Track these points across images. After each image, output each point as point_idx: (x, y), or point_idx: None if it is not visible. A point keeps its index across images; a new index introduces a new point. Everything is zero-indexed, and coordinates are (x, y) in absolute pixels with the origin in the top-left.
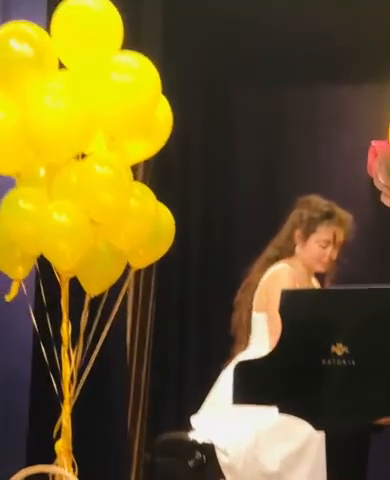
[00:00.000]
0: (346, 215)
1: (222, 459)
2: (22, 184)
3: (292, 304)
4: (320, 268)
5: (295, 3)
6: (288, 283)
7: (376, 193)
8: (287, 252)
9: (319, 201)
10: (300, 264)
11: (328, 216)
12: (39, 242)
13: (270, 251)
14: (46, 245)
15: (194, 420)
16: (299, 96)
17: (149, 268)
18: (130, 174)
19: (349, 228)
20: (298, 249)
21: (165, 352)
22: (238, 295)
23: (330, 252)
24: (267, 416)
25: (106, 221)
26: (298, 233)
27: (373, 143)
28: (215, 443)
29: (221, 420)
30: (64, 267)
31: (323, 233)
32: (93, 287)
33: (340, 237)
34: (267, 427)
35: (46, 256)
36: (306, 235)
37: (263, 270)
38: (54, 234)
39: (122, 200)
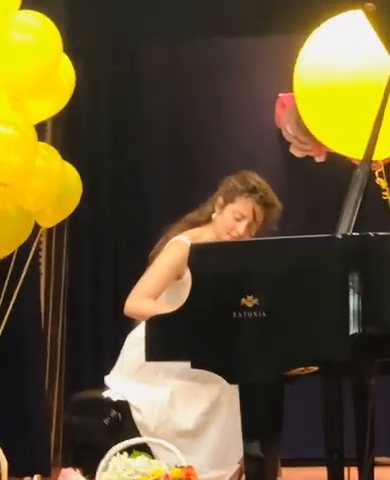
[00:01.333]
0: (275, 201)
1: (136, 417)
2: None
3: (200, 258)
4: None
5: None
6: (174, 256)
7: (285, 144)
8: (207, 217)
9: (252, 176)
10: (211, 233)
11: (251, 191)
12: None
13: (192, 214)
14: None
15: (108, 380)
16: (205, 49)
17: (61, 228)
18: (34, 134)
19: (273, 215)
20: (215, 216)
21: (80, 310)
22: (153, 250)
23: (242, 227)
24: (179, 374)
25: (12, 182)
26: (220, 200)
27: (280, 95)
28: (129, 401)
29: (133, 379)
30: None
31: (240, 205)
32: (2, 248)
33: (259, 218)
34: (180, 386)
35: None
36: (225, 203)
37: (181, 230)
38: None
39: (27, 160)
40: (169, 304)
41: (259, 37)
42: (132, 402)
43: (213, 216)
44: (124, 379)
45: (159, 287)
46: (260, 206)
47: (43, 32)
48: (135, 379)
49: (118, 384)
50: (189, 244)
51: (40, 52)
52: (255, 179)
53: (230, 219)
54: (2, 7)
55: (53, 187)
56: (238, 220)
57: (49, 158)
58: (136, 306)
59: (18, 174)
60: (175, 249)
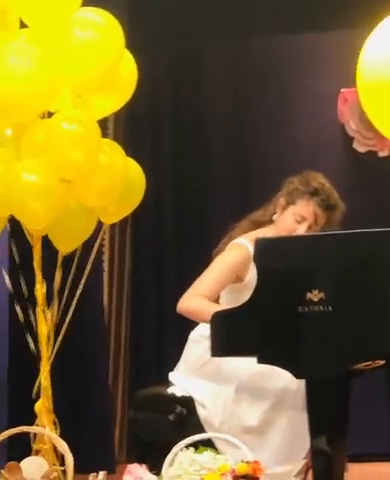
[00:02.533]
0: (338, 203)
1: (200, 412)
2: None
3: (266, 252)
4: None
5: None
6: (234, 258)
7: (347, 139)
8: (270, 217)
9: (315, 177)
10: (273, 234)
11: (313, 193)
12: (9, 203)
13: (256, 213)
14: (16, 205)
15: (172, 376)
16: (268, 46)
17: (124, 223)
18: (98, 130)
19: (337, 216)
20: (276, 217)
21: (143, 307)
22: (216, 249)
23: (302, 230)
24: (243, 370)
25: (76, 179)
26: (281, 201)
27: (342, 90)
28: (193, 396)
29: (197, 375)
30: (35, 226)
31: (302, 207)
32: (65, 245)
33: (321, 220)
34: (244, 382)
35: (17, 216)
36: (286, 204)
37: (244, 231)
38: (24, 194)
39: (91, 157)
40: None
41: (322, 32)
42: (197, 398)
43: (274, 217)
44: (188, 376)
45: (215, 288)
46: (322, 209)
47: (105, 29)
48: (199, 376)
49: (182, 380)
50: (249, 246)
51: (102, 48)
52: (318, 180)
53: (291, 221)
54: (64, 4)
55: (116, 183)
56: (299, 222)
57: (112, 154)
58: (187, 305)
59: (81, 171)
60: (235, 252)
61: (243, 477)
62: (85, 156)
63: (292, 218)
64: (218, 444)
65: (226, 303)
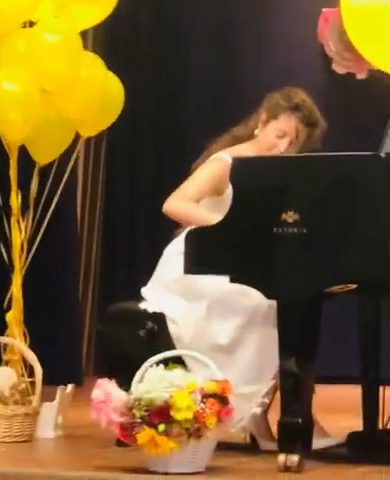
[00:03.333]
0: (318, 119)
1: (172, 329)
2: None
3: (242, 171)
4: None
5: None
6: (215, 169)
7: (327, 61)
8: (251, 132)
9: (297, 93)
10: (253, 150)
11: (295, 108)
12: None
13: (237, 128)
14: None
15: (144, 291)
16: None
17: (99, 138)
18: (80, 42)
19: (318, 134)
20: (257, 132)
21: (116, 222)
22: (195, 163)
23: (284, 145)
24: (215, 288)
25: (56, 89)
26: (263, 116)
27: (324, 10)
28: (165, 312)
29: (170, 292)
30: (15, 136)
31: (283, 122)
32: (42, 156)
33: (302, 136)
34: (216, 299)
35: None
36: (268, 119)
37: (224, 146)
38: (4, 103)
39: (72, 68)
40: None
41: None
42: (168, 314)
43: (255, 132)
44: (161, 292)
45: (199, 192)
46: (303, 124)
47: None
48: (171, 292)
49: (155, 296)
50: (228, 160)
51: None
52: (300, 96)
53: (272, 136)
54: None
55: (96, 96)
56: (280, 137)
57: (93, 66)
58: (173, 205)
59: (62, 81)
60: (216, 164)
61: (212, 396)
62: (66, 67)
63: (273, 133)
64: (189, 362)
65: None
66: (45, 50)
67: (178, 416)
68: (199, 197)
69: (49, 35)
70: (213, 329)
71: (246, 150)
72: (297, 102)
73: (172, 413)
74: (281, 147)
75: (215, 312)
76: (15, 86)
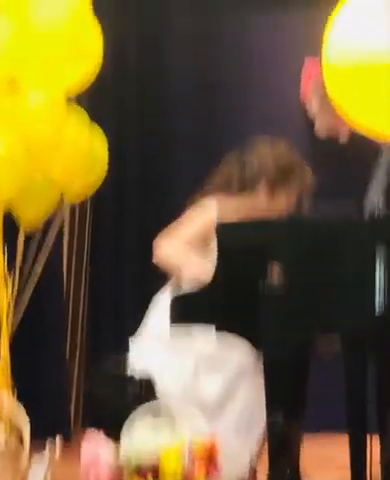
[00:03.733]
0: (310, 174)
1: (159, 385)
2: None
3: (225, 236)
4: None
5: None
6: (204, 220)
7: (309, 123)
8: (241, 187)
9: (292, 160)
10: (248, 206)
11: (293, 179)
12: None
13: (221, 180)
14: None
15: (132, 346)
16: (234, 16)
17: (84, 200)
18: (64, 102)
19: (311, 185)
20: (255, 192)
21: (102, 284)
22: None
23: (286, 209)
24: (203, 343)
25: (42, 151)
26: (261, 185)
27: (306, 60)
28: (153, 369)
29: (158, 347)
30: (0, 198)
31: (283, 197)
32: (28, 219)
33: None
34: (203, 355)
35: None
36: (273, 189)
37: (211, 195)
38: None
39: (57, 129)
40: None
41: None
42: (156, 370)
43: (251, 192)
44: (148, 345)
45: (190, 235)
46: (301, 189)
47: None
48: (159, 347)
49: (142, 352)
50: (216, 207)
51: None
52: (296, 162)
53: (273, 203)
54: None
55: (81, 155)
56: (282, 204)
57: (78, 125)
58: (165, 250)
59: (47, 142)
60: (207, 212)
61: (200, 456)
62: (52, 128)
63: (275, 201)
64: (177, 417)
65: None
66: (30, 112)
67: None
68: (191, 239)
69: (34, 96)
70: (201, 385)
71: (239, 204)
72: (295, 171)
73: (160, 477)
74: (284, 211)
75: (203, 367)
76: (0, 147)
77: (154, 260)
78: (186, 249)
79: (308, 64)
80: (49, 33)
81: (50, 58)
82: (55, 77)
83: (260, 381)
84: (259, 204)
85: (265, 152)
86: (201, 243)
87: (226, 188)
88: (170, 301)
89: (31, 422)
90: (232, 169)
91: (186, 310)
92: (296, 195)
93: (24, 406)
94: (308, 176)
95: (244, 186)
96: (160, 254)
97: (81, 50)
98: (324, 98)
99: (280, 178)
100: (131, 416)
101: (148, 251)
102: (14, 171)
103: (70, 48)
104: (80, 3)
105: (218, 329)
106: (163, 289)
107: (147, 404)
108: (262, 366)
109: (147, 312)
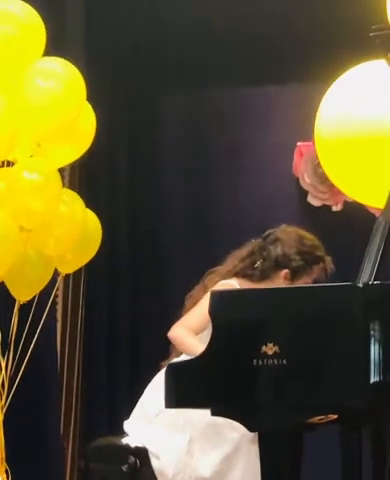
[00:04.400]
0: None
1: (154, 464)
2: None
3: (221, 305)
4: None
5: (215, 4)
6: None
7: (302, 193)
8: (262, 278)
9: (314, 245)
10: None
11: (318, 261)
12: None
13: (242, 265)
14: None
15: (126, 425)
16: (224, 97)
17: (78, 274)
18: (59, 180)
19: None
20: (278, 282)
21: (97, 358)
22: (188, 295)
23: None
24: (198, 420)
25: (35, 227)
26: (284, 273)
27: (299, 144)
28: (147, 447)
29: (153, 425)
30: None
31: (311, 277)
32: (22, 293)
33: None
34: (198, 433)
35: None
36: (298, 275)
37: (227, 277)
38: None
39: (51, 206)
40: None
41: (277, 85)
42: (151, 449)
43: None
44: (143, 425)
45: (204, 325)
46: (323, 272)
47: (67, 79)
48: (154, 425)
49: (137, 430)
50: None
51: (64, 99)
52: (318, 247)
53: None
54: (26, 53)
55: (75, 232)
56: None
57: (71, 204)
58: (182, 336)
59: (42, 220)
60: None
61: None
62: (45, 205)
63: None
64: None
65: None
66: (25, 189)
67: None
68: (203, 328)
69: (28, 174)
70: (196, 463)
71: None
72: (319, 255)
73: None
74: None
75: (197, 445)
76: None
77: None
78: (192, 334)
79: (299, 146)
80: (44, 112)
81: (44, 136)
82: (47, 154)
83: (254, 461)
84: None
85: (289, 244)
86: None
87: (248, 275)
88: (164, 385)
89: None
90: (256, 259)
91: (180, 394)
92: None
93: None
94: (329, 267)
95: (267, 275)
96: (170, 334)
97: (75, 129)
98: (316, 169)
99: (302, 269)
100: None
101: (141, 327)
102: (7, 247)
103: (65, 127)
104: (76, 83)
105: (213, 413)
106: (158, 371)
107: None
108: (256, 445)
109: (142, 395)
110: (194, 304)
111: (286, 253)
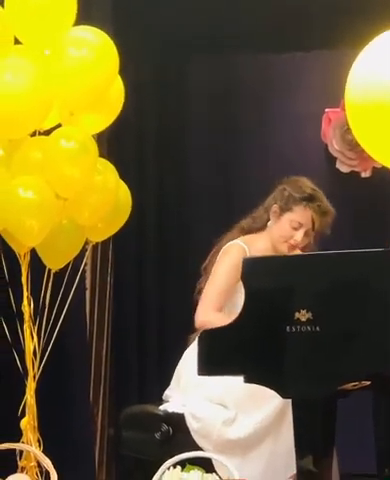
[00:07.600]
0: (329, 208)
1: (195, 426)
2: None
3: (254, 271)
4: (284, 249)
5: None
6: (231, 261)
7: (331, 159)
8: (262, 224)
9: (305, 183)
10: (267, 241)
11: (309, 199)
12: (5, 219)
13: (245, 221)
14: (12, 221)
15: (167, 392)
16: (252, 63)
17: (106, 242)
18: (95, 148)
19: (329, 221)
20: (270, 224)
21: (125, 325)
22: (206, 260)
23: (300, 236)
24: (238, 389)
25: (71, 196)
26: (275, 208)
27: (327, 110)
28: (188, 411)
29: (192, 394)
30: (31, 243)
31: (298, 214)
32: (54, 262)
33: (317, 225)
34: (241, 396)
35: (12, 232)
36: (282, 211)
37: (233, 238)
38: (20, 211)
39: (88, 175)
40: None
41: (304, 52)
42: (192, 411)
43: (269, 224)
44: (182, 394)
45: (223, 297)
46: (318, 214)
47: (100, 48)
48: (193, 394)
49: (176, 396)
50: (244, 246)
51: (97, 68)
52: (310, 186)
53: (287, 228)
54: (58, 22)
55: (109, 202)
56: (296, 229)
57: (105, 173)
58: (207, 319)
59: (78, 188)
60: (230, 254)
61: None
62: (82, 174)
63: (288, 225)
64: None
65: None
66: (61, 158)
67: None
68: (225, 299)
69: (66, 142)
70: (236, 424)
71: (258, 239)
72: (310, 193)
73: None
74: (298, 237)
75: (235, 413)
76: (31, 193)
77: (196, 326)
78: (219, 313)
79: (328, 113)
80: (77, 80)
81: (77, 105)
82: (79, 123)
83: (289, 427)
84: (274, 231)
85: (291, 182)
86: (235, 283)
87: (252, 229)
88: (197, 352)
89: (58, 473)
90: (258, 212)
91: (213, 362)
92: (314, 228)
93: (50, 457)
94: (319, 215)
95: (264, 219)
96: (198, 324)
97: (106, 97)
98: (344, 136)
99: (285, 203)
100: (160, 468)
101: (169, 294)
102: (44, 216)
103: (97, 95)
104: (108, 51)
105: (246, 381)
106: (191, 341)
107: (176, 457)
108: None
109: (178, 365)
110: (208, 276)
111: (280, 188)
